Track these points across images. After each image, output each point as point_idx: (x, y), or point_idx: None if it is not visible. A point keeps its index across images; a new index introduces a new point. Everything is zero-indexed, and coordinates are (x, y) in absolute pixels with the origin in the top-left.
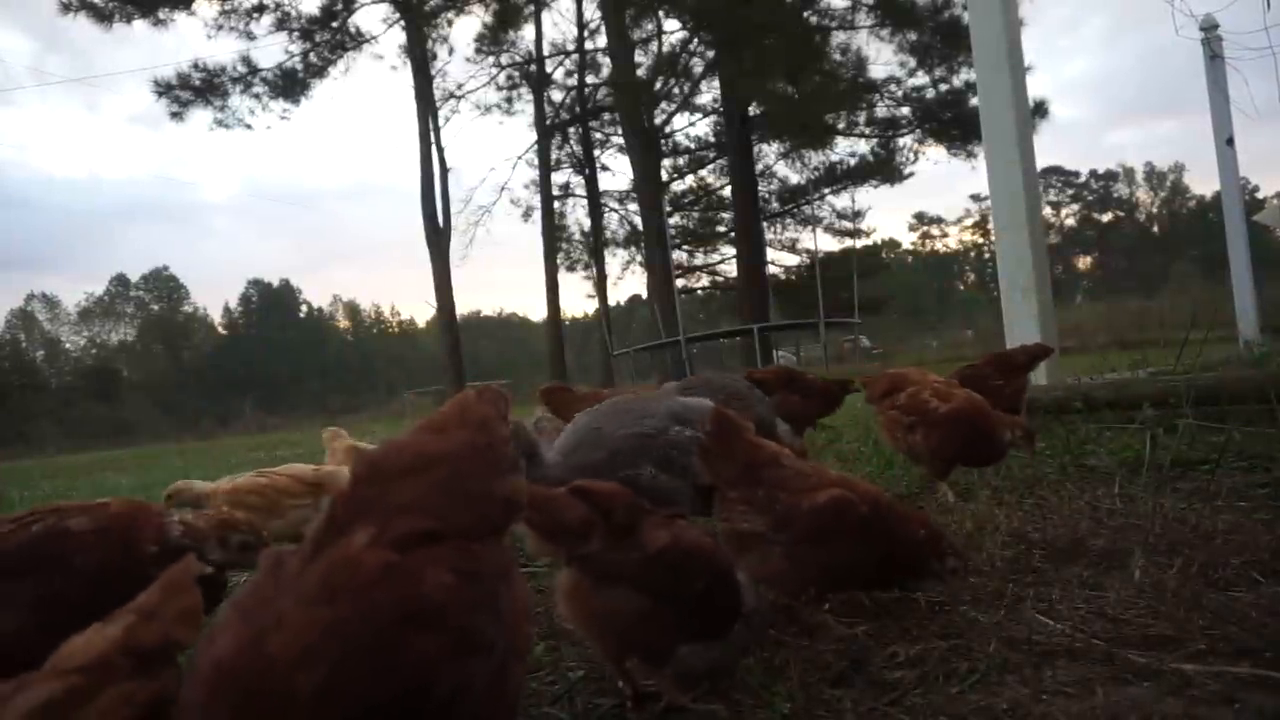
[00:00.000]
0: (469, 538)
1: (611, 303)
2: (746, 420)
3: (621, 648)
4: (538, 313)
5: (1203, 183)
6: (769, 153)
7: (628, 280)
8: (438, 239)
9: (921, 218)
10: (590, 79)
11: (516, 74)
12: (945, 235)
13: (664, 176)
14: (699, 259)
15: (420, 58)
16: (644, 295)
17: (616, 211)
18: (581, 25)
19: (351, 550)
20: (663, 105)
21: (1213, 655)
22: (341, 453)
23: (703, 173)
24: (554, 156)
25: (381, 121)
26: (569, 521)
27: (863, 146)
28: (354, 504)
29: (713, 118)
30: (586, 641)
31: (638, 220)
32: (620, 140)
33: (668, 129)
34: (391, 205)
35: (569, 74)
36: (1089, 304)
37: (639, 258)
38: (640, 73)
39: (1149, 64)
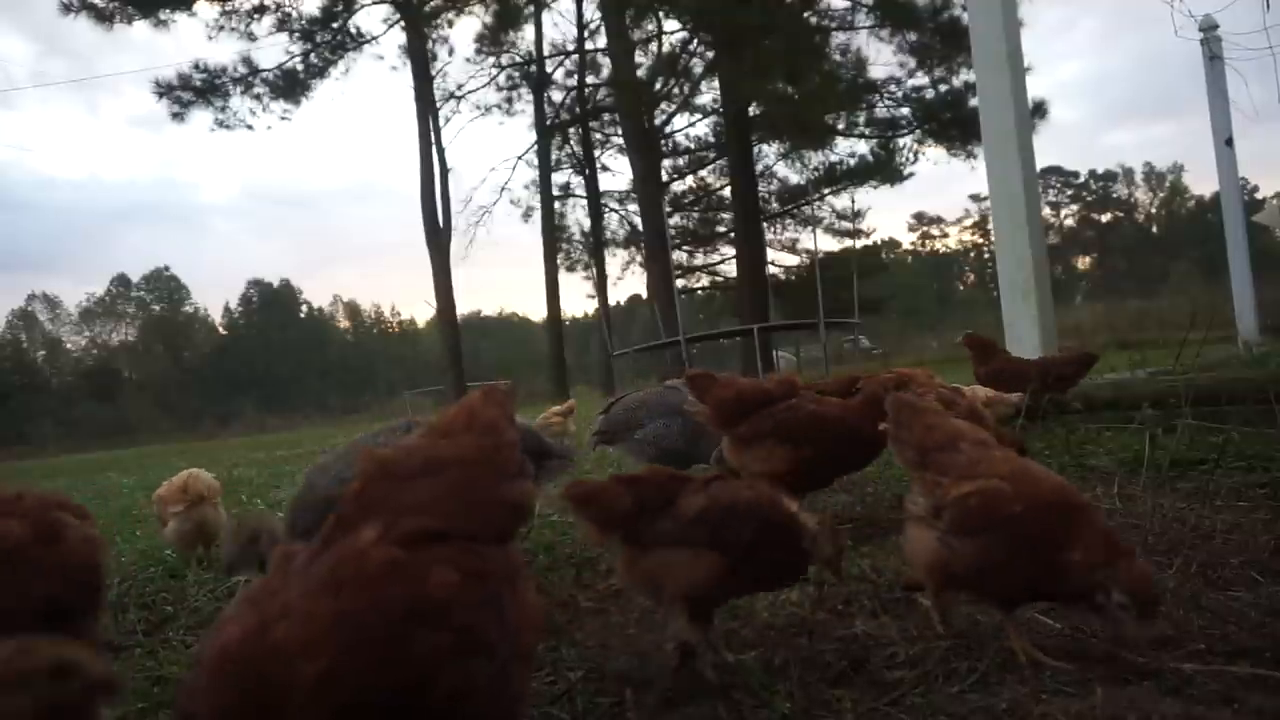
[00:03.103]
0: (476, 540)
1: (611, 303)
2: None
3: (674, 600)
4: (538, 313)
5: (1202, 183)
6: (769, 153)
7: (628, 280)
8: (438, 239)
9: (921, 218)
10: (590, 79)
11: (516, 74)
12: (945, 235)
13: (664, 176)
14: (699, 259)
15: (420, 58)
16: (644, 295)
17: (616, 211)
18: (581, 25)
19: (359, 545)
20: (663, 105)
21: (1212, 655)
22: None
23: (703, 173)
24: (554, 157)
25: (382, 122)
26: (620, 509)
27: (862, 147)
28: (363, 502)
29: (713, 118)
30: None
31: (638, 220)
32: (620, 140)
33: (668, 129)
34: (392, 206)
35: (569, 74)
36: (1089, 304)
37: (639, 258)
38: (640, 73)
39: (1146, 66)
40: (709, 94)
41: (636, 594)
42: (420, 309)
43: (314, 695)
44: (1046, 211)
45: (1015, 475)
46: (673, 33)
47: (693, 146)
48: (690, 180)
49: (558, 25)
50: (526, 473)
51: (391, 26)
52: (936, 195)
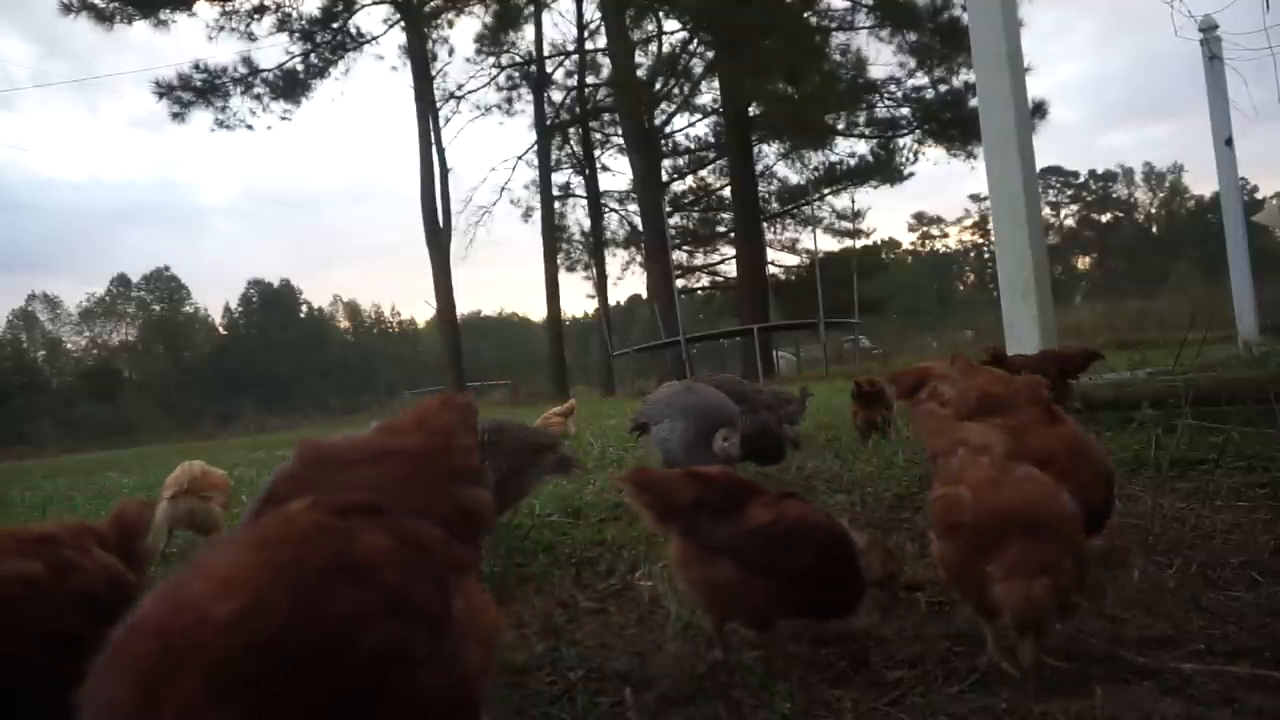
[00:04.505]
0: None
1: (611, 303)
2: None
3: (722, 613)
4: (538, 313)
5: (1202, 183)
6: (769, 153)
7: (628, 280)
8: (438, 239)
9: (921, 218)
10: (590, 79)
11: (516, 74)
12: (945, 235)
13: (664, 176)
14: (699, 259)
15: (420, 58)
16: (644, 295)
17: (616, 211)
18: (581, 25)
19: (287, 512)
20: (663, 105)
21: (1212, 655)
22: None
23: (703, 173)
24: (554, 156)
25: (382, 122)
26: (679, 502)
27: (862, 147)
28: (295, 482)
29: (713, 118)
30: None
31: (638, 220)
32: (620, 140)
33: (668, 129)
34: (392, 206)
35: (569, 74)
36: (1089, 304)
37: (639, 258)
38: (640, 73)
39: (1145, 67)
40: (709, 94)
41: (682, 589)
42: (420, 309)
43: (225, 632)
44: (1046, 211)
45: (982, 483)
46: (673, 33)
47: (693, 146)
48: (690, 180)
49: (558, 25)
50: (483, 482)
51: (391, 26)
52: (936, 195)
